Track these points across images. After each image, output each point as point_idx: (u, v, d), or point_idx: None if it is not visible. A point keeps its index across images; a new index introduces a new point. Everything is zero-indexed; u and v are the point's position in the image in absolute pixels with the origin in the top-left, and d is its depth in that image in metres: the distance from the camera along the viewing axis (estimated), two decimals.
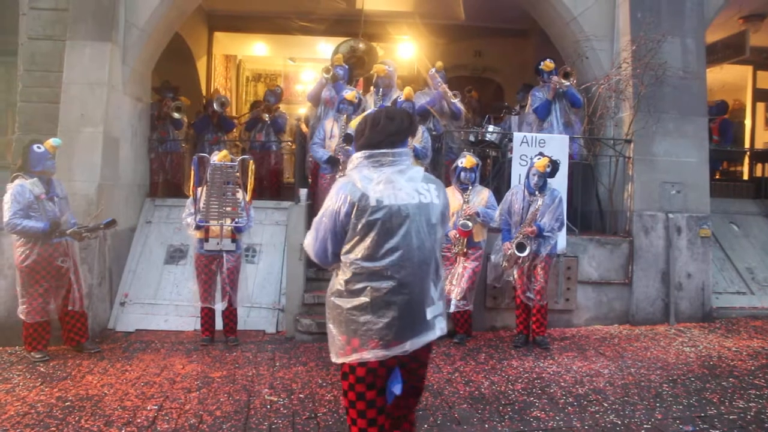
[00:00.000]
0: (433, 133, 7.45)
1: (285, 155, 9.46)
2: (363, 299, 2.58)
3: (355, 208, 2.57)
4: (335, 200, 2.62)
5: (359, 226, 2.57)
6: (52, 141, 5.64)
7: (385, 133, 2.67)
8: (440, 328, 2.72)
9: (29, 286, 5.55)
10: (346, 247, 2.63)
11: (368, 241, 2.57)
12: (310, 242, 2.78)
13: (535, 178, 5.96)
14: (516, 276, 6.06)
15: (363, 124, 2.73)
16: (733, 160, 11.49)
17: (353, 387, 2.63)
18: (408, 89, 7.13)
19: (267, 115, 9.15)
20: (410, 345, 2.59)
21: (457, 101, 7.58)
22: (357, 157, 2.71)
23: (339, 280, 2.68)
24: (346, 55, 9.07)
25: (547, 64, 7.61)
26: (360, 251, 2.59)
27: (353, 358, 2.61)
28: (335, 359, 2.71)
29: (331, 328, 2.73)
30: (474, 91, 10.47)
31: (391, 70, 7.75)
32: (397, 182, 2.63)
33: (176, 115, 8.65)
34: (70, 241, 5.68)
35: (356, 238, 2.60)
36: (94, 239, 6.02)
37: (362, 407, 2.63)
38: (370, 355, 2.57)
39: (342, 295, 2.65)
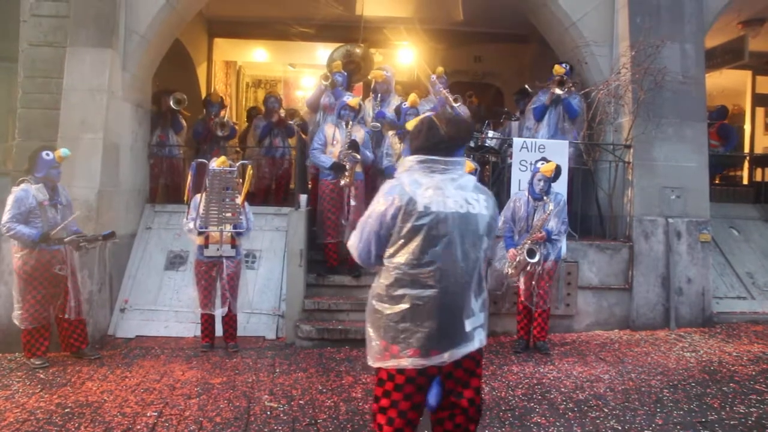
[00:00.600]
0: None
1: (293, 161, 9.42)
2: (403, 306, 2.55)
3: (401, 212, 2.54)
4: (383, 202, 2.59)
5: (404, 230, 2.54)
6: (61, 151, 5.66)
7: (441, 138, 2.63)
8: (479, 339, 2.67)
9: (26, 292, 5.54)
10: (390, 250, 2.60)
11: (412, 246, 2.54)
12: (354, 242, 2.73)
13: (541, 183, 5.97)
14: (522, 281, 6.05)
15: (420, 126, 2.69)
16: (732, 165, 11.49)
17: (389, 394, 2.61)
18: (413, 96, 7.13)
19: (293, 121, 9.13)
20: (449, 356, 2.55)
21: (459, 106, 7.59)
22: (410, 160, 2.67)
23: (381, 283, 2.65)
24: (343, 60, 9.08)
25: (557, 69, 7.57)
26: (403, 256, 2.56)
27: (390, 363, 2.58)
28: (372, 363, 2.68)
29: (370, 332, 2.69)
30: (474, 97, 10.48)
31: (389, 76, 7.77)
32: (446, 190, 2.58)
33: (175, 106, 8.58)
34: (69, 248, 5.68)
35: (400, 242, 2.57)
36: (92, 249, 6.01)
37: (393, 415, 2.60)
38: (407, 362, 2.54)
39: (383, 299, 2.63)
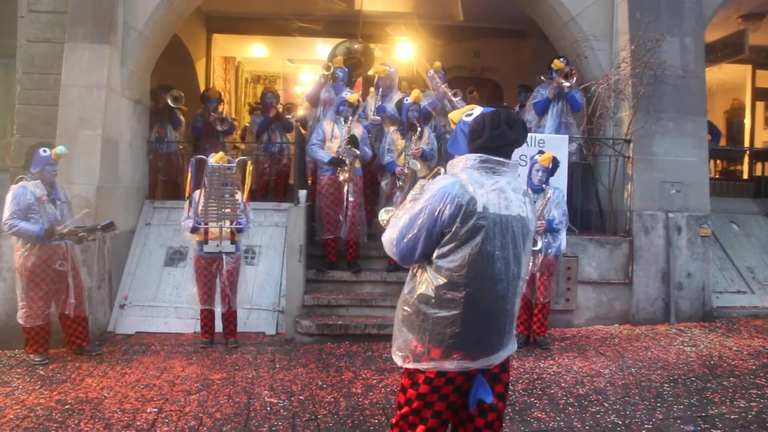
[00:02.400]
0: (434, 133, 7.45)
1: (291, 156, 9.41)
2: (456, 311, 2.44)
3: (462, 211, 2.42)
4: (439, 199, 2.44)
5: (462, 231, 2.43)
6: (58, 149, 5.64)
7: (504, 139, 2.53)
8: (515, 342, 2.65)
9: (29, 290, 5.53)
10: (442, 250, 2.47)
11: (469, 248, 2.43)
12: (392, 238, 2.57)
13: (539, 174, 5.99)
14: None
15: (481, 124, 2.54)
16: (732, 160, 11.48)
17: (424, 396, 2.50)
18: (416, 92, 7.10)
19: (288, 114, 9.10)
20: (496, 358, 2.51)
21: (458, 100, 7.57)
22: (470, 158, 2.54)
23: (430, 285, 2.49)
24: (344, 56, 9.06)
25: (556, 63, 7.57)
26: (459, 258, 2.44)
27: (430, 366, 2.48)
28: (403, 363, 2.56)
29: (405, 332, 2.55)
30: (475, 92, 10.46)
31: (392, 71, 7.75)
32: (507, 192, 2.51)
33: (173, 104, 8.58)
34: (69, 244, 5.67)
35: (455, 243, 2.45)
36: (92, 241, 6.00)
37: (427, 414, 2.51)
38: (452, 365, 2.45)
39: (429, 301, 2.48)
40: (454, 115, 2.79)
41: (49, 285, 5.60)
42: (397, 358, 2.58)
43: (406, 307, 2.57)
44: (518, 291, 2.57)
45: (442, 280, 2.46)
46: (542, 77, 7.95)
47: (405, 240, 2.53)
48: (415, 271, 2.62)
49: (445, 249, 2.47)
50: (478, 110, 2.64)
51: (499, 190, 2.49)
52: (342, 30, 10.82)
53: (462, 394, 2.54)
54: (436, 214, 2.45)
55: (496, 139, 2.51)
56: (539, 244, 5.88)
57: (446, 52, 11.45)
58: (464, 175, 2.50)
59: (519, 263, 2.53)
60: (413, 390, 2.53)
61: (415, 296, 2.54)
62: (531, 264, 5.99)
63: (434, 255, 2.49)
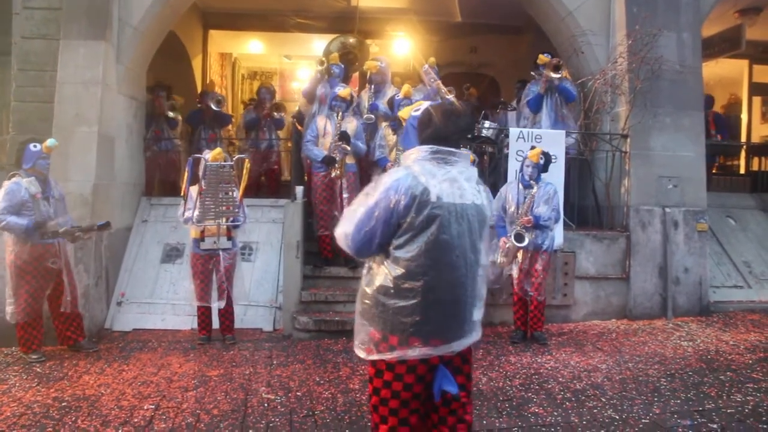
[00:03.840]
0: None
1: (282, 153, 9.40)
2: (414, 300, 2.49)
3: (416, 202, 2.47)
4: (394, 191, 2.49)
5: (417, 221, 2.48)
6: (48, 141, 5.63)
7: (451, 128, 2.61)
8: (480, 329, 2.70)
9: (19, 287, 5.51)
10: (399, 241, 2.52)
11: (425, 237, 2.48)
12: (348, 232, 2.60)
13: (529, 169, 5.99)
14: (516, 271, 6.05)
15: (428, 116, 2.63)
16: (729, 154, 11.49)
17: (389, 384, 2.55)
18: (407, 87, 7.10)
19: (277, 114, 9.10)
20: (457, 345, 2.55)
21: (451, 97, 7.56)
22: (421, 150, 2.60)
23: (388, 276, 2.54)
24: (340, 52, 9.04)
25: (541, 58, 7.61)
26: (415, 248, 2.49)
27: (393, 355, 2.52)
28: (364, 355, 2.60)
29: (366, 325, 2.60)
30: (472, 89, 10.45)
31: (383, 66, 7.73)
32: (460, 182, 2.56)
33: (171, 114, 8.63)
34: (62, 242, 5.65)
35: (411, 233, 2.50)
36: (87, 240, 5.98)
37: (395, 405, 2.56)
38: (414, 353, 2.50)
39: (388, 292, 2.53)
40: (403, 113, 2.86)
41: (39, 282, 5.58)
42: (360, 351, 2.62)
43: (365, 300, 2.62)
44: (477, 278, 2.61)
45: (399, 271, 2.51)
46: (532, 72, 7.95)
47: (362, 233, 2.56)
48: (371, 264, 2.67)
49: (402, 240, 2.52)
50: (425, 105, 2.74)
51: (451, 179, 2.55)
52: (339, 26, 10.80)
53: (427, 386, 2.59)
54: (391, 205, 2.49)
55: (443, 129, 2.60)
56: (526, 240, 5.88)
57: (443, 47, 11.42)
58: (417, 166, 2.56)
59: (476, 251, 2.58)
60: (379, 379, 2.59)
61: (374, 288, 2.58)
62: (521, 260, 5.99)
63: (391, 246, 2.54)
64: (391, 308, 2.52)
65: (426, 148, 2.59)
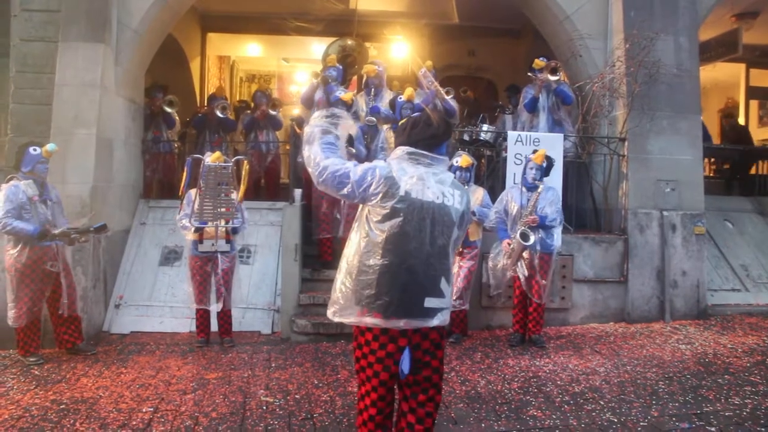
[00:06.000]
0: None
1: (281, 155, 9.39)
2: (372, 277, 2.79)
3: (385, 191, 2.80)
4: (371, 173, 2.84)
5: (383, 210, 2.80)
6: (48, 146, 5.63)
7: (422, 135, 2.94)
8: (441, 319, 2.88)
9: (19, 290, 5.50)
10: (377, 221, 2.82)
11: (388, 225, 2.79)
12: (323, 164, 2.87)
13: (533, 172, 6.01)
14: (523, 271, 6.03)
15: (405, 125, 3.03)
16: (727, 158, 11.51)
17: (366, 356, 2.88)
18: (410, 90, 7.11)
19: (273, 111, 9.08)
20: (405, 323, 2.79)
21: (449, 99, 7.57)
22: (401, 150, 2.96)
23: (357, 251, 2.85)
24: (339, 55, 9.05)
25: (537, 62, 7.64)
26: (383, 232, 2.79)
27: (352, 320, 2.86)
28: (332, 317, 2.94)
29: (336, 292, 2.93)
30: (470, 92, 10.47)
31: (381, 70, 7.74)
32: (427, 181, 2.87)
33: (168, 109, 8.59)
34: (60, 245, 5.64)
35: (377, 219, 2.82)
36: (84, 242, 5.97)
37: (370, 373, 2.88)
38: (369, 321, 2.81)
39: (354, 267, 2.85)
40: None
41: (38, 285, 5.57)
42: (329, 313, 2.96)
43: (338, 274, 2.95)
44: (436, 269, 2.84)
45: (366, 249, 2.83)
46: (529, 74, 7.97)
47: (335, 175, 2.85)
48: (351, 237, 2.97)
49: (376, 221, 2.83)
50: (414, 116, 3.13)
51: (420, 177, 2.87)
52: (337, 29, 10.81)
53: (396, 363, 2.87)
54: (366, 181, 2.83)
55: (415, 136, 2.95)
56: (531, 239, 5.88)
57: (441, 51, 11.46)
58: (394, 163, 2.93)
59: (434, 244, 2.84)
60: (356, 346, 2.95)
61: (346, 261, 2.92)
62: (523, 260, 6.00)
63: (372, 222, 2.84)
64: (356, 280, 2.84)
65: (403, 149, 2.96)
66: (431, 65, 7.83)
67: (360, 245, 2.86)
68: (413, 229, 2.79)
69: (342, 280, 2.90)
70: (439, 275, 2.86)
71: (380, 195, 2.81)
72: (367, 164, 2.91)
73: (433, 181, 2.89)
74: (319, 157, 2.90)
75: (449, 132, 3.07)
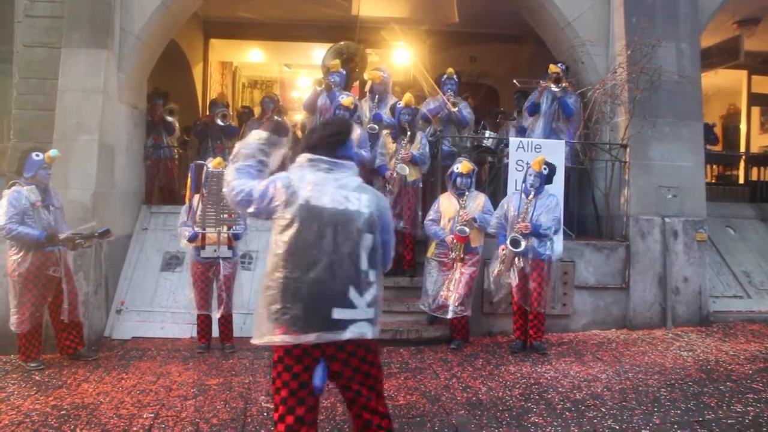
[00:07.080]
0: (430, 139, 7.46)
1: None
2: (275, 291, 2.70)
3: (285, 200, 2.77)
4: (272, 187, 2.80)
5: (284, 220, 2.76)
6: (51, 152, 5.65)
7: (318, 137, 2.96)
8: (356, 332, 2.73)
9: (22, 296, 5.51)
10: (278, 233, 2.77)
11: (288, 235, 2.73)
12: (238, 189, 2.85)
13: (531, 178, 6.02)
14: (514, 278, 6.04)
15: (305, 130, 2.97)
16: (729, 164, 11.53)
17: (280, 375, 2.74)
18: (408, 96, 7.12)
19: (278, 116, 9.06)
20: (315, 338, 2.67)
21: (461, 108, 7.58)
22: (302, 157, 2.94)
23: (268, 267, 2.79)
24: (339, 57, 9.04)
25: (552, 67, 7.55)
26: (281, 244, 2.74)
27: (261, 341, 2.73)
28: (253, 339, 2.79)
29: (258, 310, 2.82)
30: (470, 98, 10.47)
31: (386, 77, 7.75)
32: (326, 187, 2.82)
33: (169, 118, 8.64)
34: (63, 250, 5.65)
35: (278, 230, 2.78)
36: (87, 247, 5.98)
37: (285, 394, 2.72)
38: (278, 339, 2.68)
39: (265, 282, 2.77)
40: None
41: (40, 290, 5.58)
42: (252, 339, 2.82)
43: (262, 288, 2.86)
44: (341, 279, 2.72)
45: (270, 265, 2.78)
46: (540, 81, 7.96)
47: (243, 194, 2.83)
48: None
49: (273, 236, 2.80)
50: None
51: (316, 183, 2.82)
52: (339, 35, 10.83)
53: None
54: (269, 191, 2.80)
55: (315, 138, 2.96)
56: (522, 245, 5.88)
57: (443, 57, 11.43)
58: (295, 171, 2.90)
59: (338, 252, 2.73)
60: (274, 369, 2.77)
61: (265, 278, 2.82)
62: (519, 267, 5.99)
63: (275, 234, 2.79)
64: (264, 295, 2.76)
65: (305, 155, 2.93)
66: (452, 72, 7.83)
67: (268, 261, 2.80)
68: (313, 237, 2.71)
69: (260, 298, 2.81)
70: (347, 284, 2.73)
71: (281, 205, 2.77)
72: (269, 178, 2.87)
73: (332, 187, 2.82)
74: (229, 177, 2.90)
75: (348, 129, 3.01)
